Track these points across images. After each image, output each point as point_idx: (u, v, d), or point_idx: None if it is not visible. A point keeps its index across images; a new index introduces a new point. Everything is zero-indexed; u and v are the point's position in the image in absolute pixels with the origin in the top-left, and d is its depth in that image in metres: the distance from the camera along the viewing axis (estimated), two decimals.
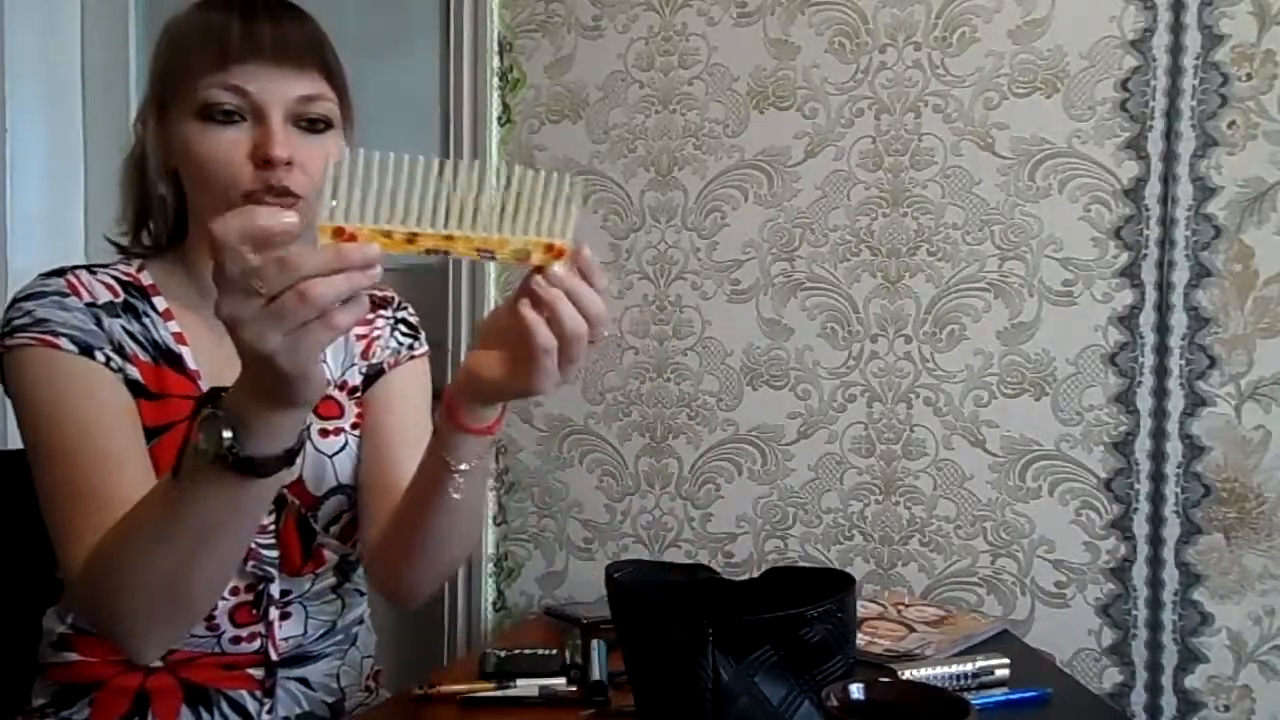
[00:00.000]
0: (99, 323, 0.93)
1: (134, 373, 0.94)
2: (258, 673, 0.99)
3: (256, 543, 0.96)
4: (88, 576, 0.83)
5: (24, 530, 1.06)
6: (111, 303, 0.95)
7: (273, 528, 0.98)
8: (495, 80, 1.72)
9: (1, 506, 1.12)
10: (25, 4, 1.97)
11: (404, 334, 1.14)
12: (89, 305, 0.93)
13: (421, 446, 0.92)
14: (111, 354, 0.92)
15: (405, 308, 1.17)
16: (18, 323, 0.90)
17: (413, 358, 1.13)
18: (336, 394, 1.06)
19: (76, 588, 0.87)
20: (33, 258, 1.95)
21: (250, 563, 0.96)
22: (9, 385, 0.91)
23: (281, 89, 0.88)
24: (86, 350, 0.90)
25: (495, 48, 1.72)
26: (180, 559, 0.76)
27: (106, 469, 0.87)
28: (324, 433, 1.03)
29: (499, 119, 1.73)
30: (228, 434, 0.69)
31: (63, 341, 0.89)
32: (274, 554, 0.98)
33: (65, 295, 0.93)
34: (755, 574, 1.00)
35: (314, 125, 0.91)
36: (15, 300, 0.93)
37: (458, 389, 0.83)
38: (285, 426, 0.70)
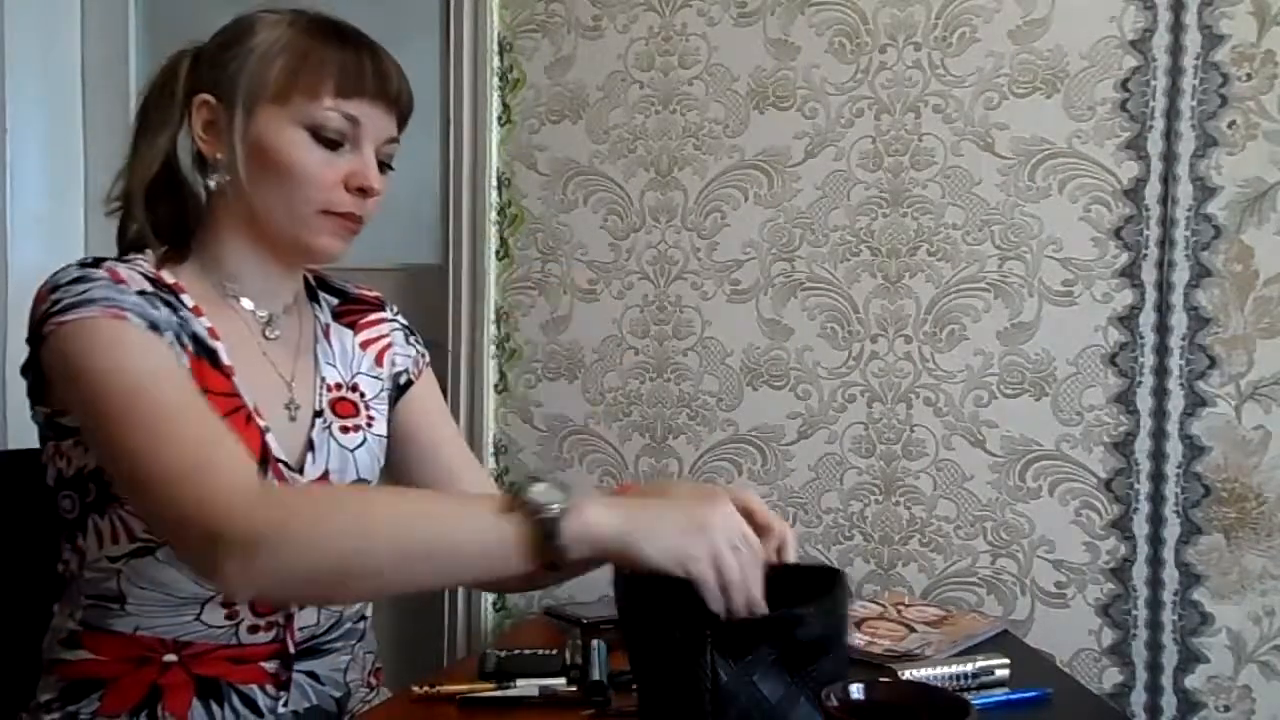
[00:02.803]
0: (155, 308, 0.91)
1: (185, 363, 0.93)
2: (270, 665, 0.99)
3: None
4: (252, 524, 0.77)
5: (25, 527, 1.06)
6: (154, 294, 0.93)
7: None
8: (495, 80, 1.72)
9: (2, 504, 1.12)
10: (25, 4, 1.97)
11: (413, 339, 1.19)
12: (139, 293, 0.91)
13: (457, 445, 1.15)
14: (172, 338, 0.91)
15: (395, 308, 1.21)
16: (69, 301, 0.87)
17: (426, 363, 1.19)
18: (350, 395, 1.09)
19: (228, 521, 0.78)
20: (33, 258, 1.95)
21: None
22: (63, 360, 0.87)
23: (381, 129, 0.99)
24: (154, 327, 0.89)
25: (495, 48, 1.71)
26: (389, 565, 0.78)
27: (218, 423, 0.86)
28: (344, 429, 1.06)
29: (499, 119, 1.73)
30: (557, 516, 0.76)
31: (130, 317, 0.88)
32: None
33: (116, 282, 0.90)
34: None
35: (383, 164, 1.01)
36: (55, 286, 0.89)
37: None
38: (593, 547, 0.78)
